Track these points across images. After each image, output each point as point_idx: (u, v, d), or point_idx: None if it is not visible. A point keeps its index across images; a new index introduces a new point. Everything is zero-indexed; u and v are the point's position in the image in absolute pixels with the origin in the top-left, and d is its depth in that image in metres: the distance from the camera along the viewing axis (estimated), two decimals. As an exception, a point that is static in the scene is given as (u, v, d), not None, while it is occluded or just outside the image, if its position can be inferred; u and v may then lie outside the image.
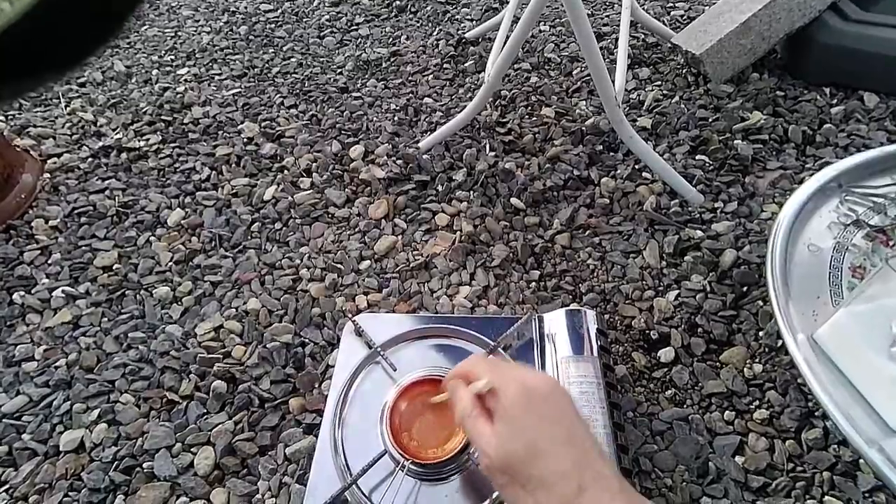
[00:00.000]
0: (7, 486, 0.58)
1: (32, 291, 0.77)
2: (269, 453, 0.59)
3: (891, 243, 0.49)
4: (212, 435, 0.60)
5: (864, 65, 0.91)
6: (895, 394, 0.38)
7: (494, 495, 0.48)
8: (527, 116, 0.98)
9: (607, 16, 1.23)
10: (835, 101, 0.93)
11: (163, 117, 1.04)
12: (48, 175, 0.95)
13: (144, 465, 0.58)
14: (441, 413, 0.50)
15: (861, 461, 0.51)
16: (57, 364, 0.68)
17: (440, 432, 0.49)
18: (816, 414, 0.56)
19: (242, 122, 1.02)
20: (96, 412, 0.63)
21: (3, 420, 0.63)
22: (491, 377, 0.37)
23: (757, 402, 0.59)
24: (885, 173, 0.54)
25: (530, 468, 0.33)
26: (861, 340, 0.39)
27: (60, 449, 0.60)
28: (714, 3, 1.07)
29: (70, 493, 0.57)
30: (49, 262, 0.81)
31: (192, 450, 0.59)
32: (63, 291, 0.76)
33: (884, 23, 0.89)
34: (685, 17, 1.19)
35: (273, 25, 1.32)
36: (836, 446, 0.54)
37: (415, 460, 0.47)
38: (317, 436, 0.55)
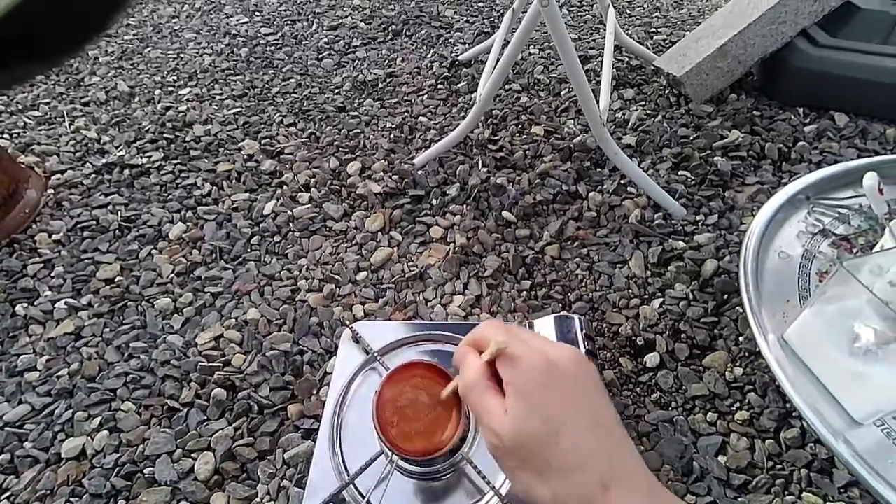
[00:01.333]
0: (8, 494, 0.59)
1: (35, 303, 0.79)
2: (268, 458, 0.60)
3: (854, 250, 0.52)
4: (212, 441, 0.62)
5: (834, 87, 0.96)
6: (857, 388, 0.41)
7: (489, 496, 0.49)
8: (517, 134, 1.03)
9: (594, 40, 1.29)
10: (808, 121, 0.98)
11: (165, 135, 1.08)
12: (52, 191, 0.97)
13: (145, 471, 0.59)
14: (432, 401, 0.44)
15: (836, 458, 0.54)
16: (59, 373, 0.70)
17: (432, 424, 0.44)
18: (794, 414, 0.59)
19: (243, 140, 1.06)
20: (98, 420, 0.64)
21: (6, 428, 0.64)
22: (507, 341, 0.31)
23: (738, 404, 0.61)
24: (848, 186, 0.58)
25: (548, 453, 0.28)
26: (825, 339, 0.42)
27: (62, 456, 0.62)
28: (693, 29, 1.13)
29: (72, 499, 0.58)
30: (52, 274, 0.83)
31: (192, 455, 0.61)
32: (66, 303, 0.78)
33: (851, 48, 0.95)
34: (667, 42, 1.25)
35: (273, 48, 1.37)
36: (812, 444, 0.56)
37: (402, 455, 0.43)
38: (315, 441, 0.57)
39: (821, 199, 0.58)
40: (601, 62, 1.19)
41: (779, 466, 0.56)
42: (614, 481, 0.27)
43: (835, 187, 0.58)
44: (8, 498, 0.59)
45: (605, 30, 1.28)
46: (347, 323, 0.68)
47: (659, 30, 1.31)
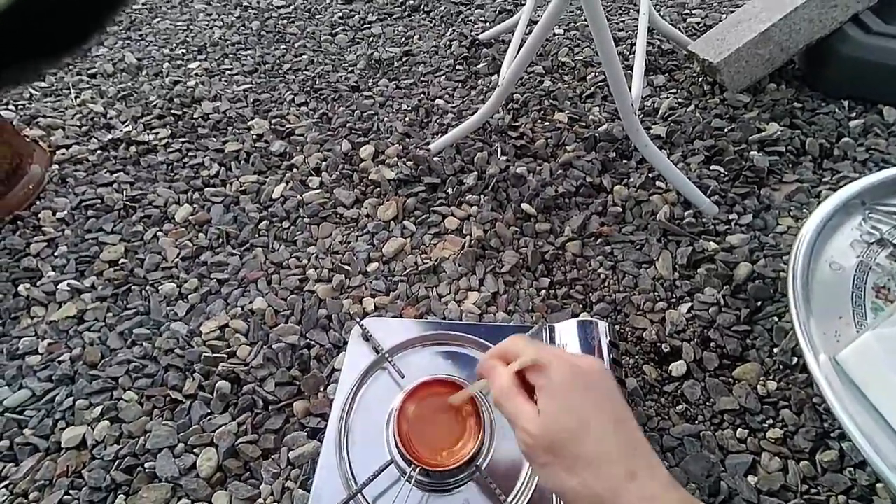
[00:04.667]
0: (7, 482, 0.57)
1: (38, 284, 0.76)
2: (273, 457, 0.58)
3: (916, 264, 0.48)
4: (215, 436, 0.60)
5: (885, 78, 0.89)
6: (922, 421, 0.37)
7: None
8: (539, 121, 0.97)
9: (622, 21, 1.21)
10: (853, 115, 0.91)
11: (173, 111, 1.04)
12: (56, 166, 0.94)
13: (146, 465, 0.57)
14: (451, 417, 0.48)
15: (878, 486, 0.50)
16: (60, 359, 0.68)
17: (450, 437, 0.48)
18: (832, 435, 0.55)
19: (252, 119, 1.02)
20: (99, 409, 0.62)
21: (5, 414, 0.63)
22: (536, 353, 0.35)
23: (771, 421, 0.58)
24: (910, 191, 0.53)
25: (578, 447, 0.32)
26: (887, 366, 0.38)
27: (62, 445, 0.60)
28: (732, 12, 1.06)
29: (70, 492, 0.56)
30: (55, 254, 0.81)
31: (194, 451, 0.59)
32: (69, 285, 0.76)
33: (906, 36, 0.88)
34: (701, 25, 1.18)
35: (285, 21, 1.31)
36: (851, 469, 0.53)
37: (423, 467, 0.46)
38: (321, 441, 0.54)
39: (878, 205, 0.53)
40: (630, 45, 1.12)
41: (814, 490, 0.52)
42: (639, 471, 0.31)
43: (894, 192, 0.53)
44: (7, 486, 0.57)
45: (635, 10, 1.20)
46: (357, 318, 0.65)
47: (693, 11, 1.23)
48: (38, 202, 0.89)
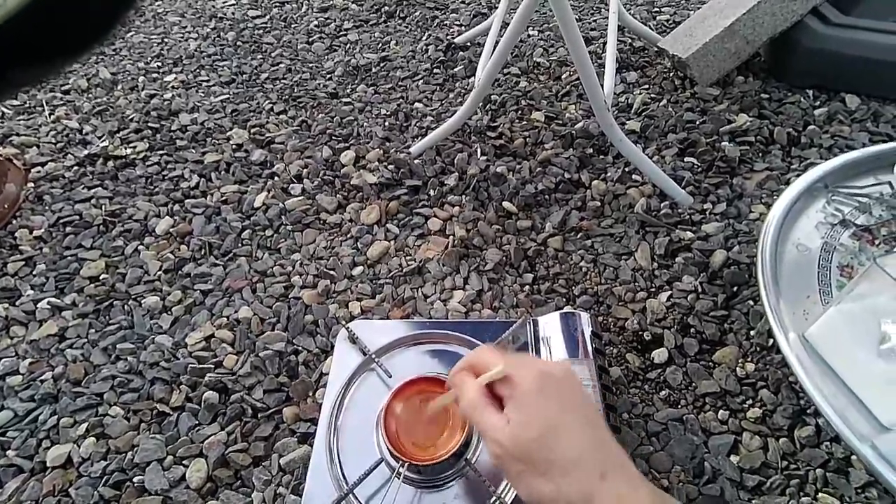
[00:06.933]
0: (-8, 505, 0.57)
1: (17, 303, 0.75)
2: (263, 464, 0.58)
3: (876, 242, 0.50)
4: (204, 446, 0.59)
5: (845, 67, 0.93)
6: (886, 391, 0.39)
7: (492, 501, 0.47)
8: (517, 120, 0.99)
9: (594, 20, 1.24)
10: (818, 104, 0.95)
11: (150, 124, 1.03)
12: (32, 184, 0.93)
13: (135, 480, 0.57)
14: (437, 413, 0.49)
15: (853, 457, 0.52)
16: (43, 377, 0.67)
17: (437, 432, 0.48)
18: (808, 411, 0.57)
19: (231, 129, 1.02)
20: (84, 426, 0.62)
21: (-12, 436, 0.62)
22: (504, 365, 0.35)
23: (750, 401, 0.59)
24: (869, 173, 0.55)
25: (549, 453, 0.32)
26: (851, 339, 0.40)
27: (47, 465, 0.59)
28: (699, 8, 1.09)
29: (58, 510, 0.56)
30: (34, 273, 0.79)
31: (183, 462, 0.58)
32: (48, 303, 0.75)
33: (864, 26, 0.91)
34: (671, 22, 1.21)
35: (261, 31, 1.31)
36: (828, 443, 0.54)
37: (411, 463, 0.46)
38: (312, 445, 0.54)
39: (840, 188, 0.55)
40: (603, 44, 1.15)
41: (793, 466, 0.54)
42: (609, 471, 0.31)
43: (855, 175, 0.55)
44: (-8, 509, 0.56)
45: (606, 9, 1.23)
46: (344, 322, 0.65)
47: (662, 9, 1.26)
48: (14, 221, 0.87)
